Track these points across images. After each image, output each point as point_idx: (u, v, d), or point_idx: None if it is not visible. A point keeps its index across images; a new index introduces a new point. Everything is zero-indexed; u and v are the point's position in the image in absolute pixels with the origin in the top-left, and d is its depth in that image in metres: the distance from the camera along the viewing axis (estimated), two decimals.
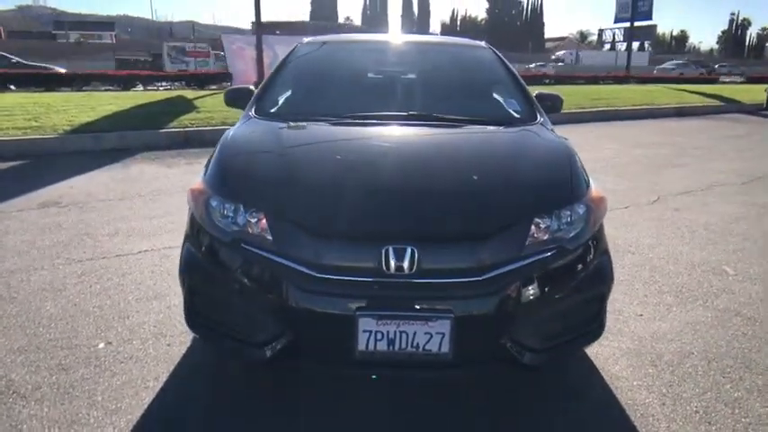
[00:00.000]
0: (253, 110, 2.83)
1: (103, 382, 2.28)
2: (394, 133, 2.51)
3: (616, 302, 3.06)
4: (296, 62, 3.26)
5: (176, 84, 15.49)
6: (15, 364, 2.38)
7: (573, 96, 13.90)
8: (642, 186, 5.90)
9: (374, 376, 2.03)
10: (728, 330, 2.78)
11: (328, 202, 2.00)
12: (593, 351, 2.52)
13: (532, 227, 1.96)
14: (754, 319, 2.91)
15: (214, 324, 2.08)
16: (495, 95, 3.10)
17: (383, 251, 1.82)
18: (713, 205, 5.20)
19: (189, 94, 11.28)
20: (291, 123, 2.62)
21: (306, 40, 3.60)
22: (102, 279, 3.29)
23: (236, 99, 3.12)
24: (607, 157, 7.59)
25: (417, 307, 1.81)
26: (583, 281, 2.02)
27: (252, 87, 3.19)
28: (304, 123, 2.62)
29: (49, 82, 13.15)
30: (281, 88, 3.05)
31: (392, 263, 1.81)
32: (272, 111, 2.83)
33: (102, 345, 2.57)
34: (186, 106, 9.95)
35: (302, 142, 2.46)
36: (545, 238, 1.97)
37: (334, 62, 3.34)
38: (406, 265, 1.81)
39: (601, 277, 2.09)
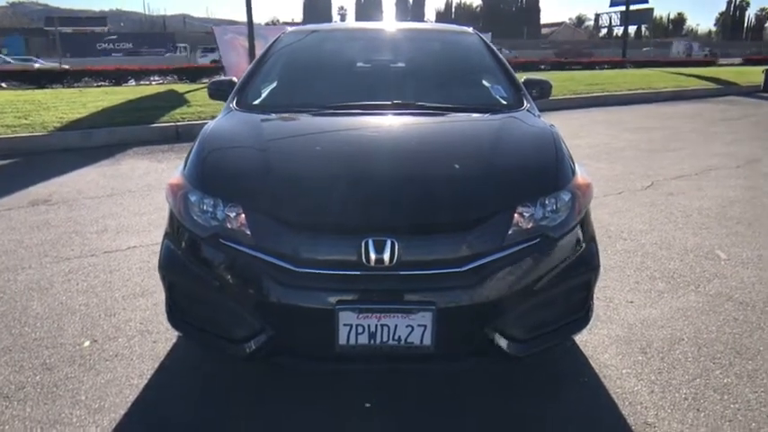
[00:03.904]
0: (234, 102, 2.79)
1: (87, 380, 2.26)
2: (376, 123, 2.47)
3: (607, 289, 3.04)
4: (278, 52, 3.21)
5: (168, 78, 15.37)
6: (0, 364, 2.36)
7: (568, 82, 13.84)
8: (636, 171, 5.86)
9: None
10: (720, 316, 2.76)
11: (306, 194, 1.97)
12: (581, 339, 2.50)
13: (516, 216, 1.93)
14: (745, 303, 2.89)
15: (195, 321, 2.05)
16: (481, 82, 3.05)
17: (363, 244, 1.79)
18: (707, 189, 5.17)
19: (180, 87, 11.21)
20: (272, 115, 2.58)
21: (289, 29, 3.55)
22: (89, 277, 3.26)
23: (220, 91, 3.08)
24: (601, 143, 7.55)
25: (398, 299, 1.78)
26: (568, 269, 1.99)
27: (234, 79, 3.14)
28: (285, 115, 2.58)
29: (41, 79, 13.04)
30: (262, 79, 3.00)
31: (372, 255, 1.78)
32: (254, 102, 2.79)
33: (87, 343, 2.54)
34: (177, 100, 9.88)
35: (282, 134, 2.41)
36: (529, 226, 1.94)
37: (317, 52, 3.28)
38: (386, 257, 1.78)
39: (587, 265, 2.06)
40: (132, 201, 4.84)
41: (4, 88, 12.78)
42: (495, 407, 2.08)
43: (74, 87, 12.92)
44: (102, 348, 2.50)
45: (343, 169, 2.08)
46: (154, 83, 14.70)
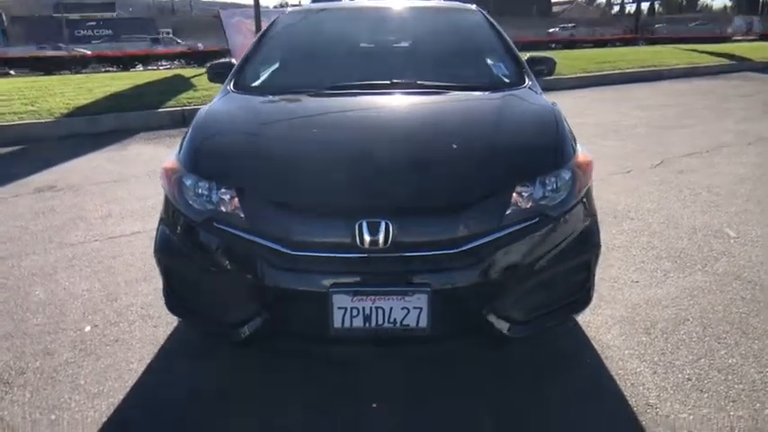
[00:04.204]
0: (231, 84, 2.75)
1: (87, 365, 2.27)
2: (373, 104, 2.42)
3: (611, 269, 2.99)
4: (276, 33, 3.16)
5: (176, 62, 15.31)
6: (1, 350, 2.37)
7: (578, 61, 13.59)
8: (646, 149, 5.75)
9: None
10: (727, 295, 2.71)
11: (300, 176, 1.93)
12: (584, 320, 2.47)
13: (514, 195, 1.89)
14: (753, 282, 2.83)
15: (191, 305, 2.05)
16: (483, 60, 2.98)
17: (356, 226, 1.76)
18: (718, 167, 5.06)
19: (187, 72, 11.16)
20: (269, 97, 2.54)
21: (288, 10, 3.49)
22: (92, 262, 3.27)
23: (219, 74, 3.03)
24: (610, 121, 7.40)
25: (393, 282, 1.76)
26: (568, 249, 1.94)
27: (234, 61, 3.09)
28: (281, 96, 2.54)
29: (49, 65, 13.07)
30: (260, 61, 2.95)
31: (366, 237, 1.75)
32: (251, 84, 2.75)
33: (88, 328, 2.56)
34: (184, 85, 9.83)
35: (277, 116, 2.37)
36: (528, 206, 1.90)
37: (315, 32, 3.22)
38: (380, 239, 1.75)
39: (587, 244, 2.01)
40: (137, 186, 4.84)
41: (12, 75, 12.81)
42: (492, 390, 2.06)
43: (81, 73, 12.93)
44: (103, 333, 2.51)
45: (338, 151, 2.04)
46: (161, 68, 14.66)
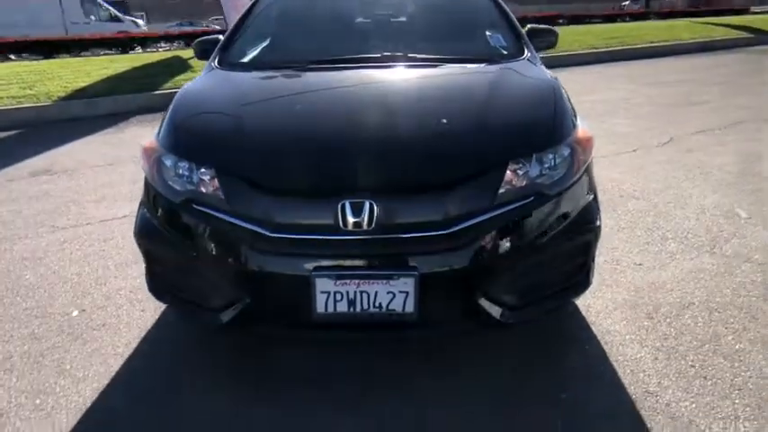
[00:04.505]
0: (215, 60, 2.65)
1: (74, 350, 2.22)
2: (360, 78, 2.31)
3: (615, 251, 2.89)
4: (264, 8, 3.04)
5: (176, 44, 15.12)
6: None
7: (585, 36, 13.26)
8: (654, 127, 5.58)
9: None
10: (735, 278, 2.60)
11: (281, 155, 1.84)
12: (584, 304, 2.38)
13: (508, 173, 1.78)
14: (765, 265, 2.72)
15: (173, 289, 1.98)
16: (479, 31, 2.85)
17: (339, 206, 1.67)
18: (730, 145, 4.89)
19: (185, 53, 10.97)
20: (253, 73, 2.44)
21: None
22: (83, 246, 3.22)
23: (206, 51, 2.93)
24: (618, 98, 7.21)
25: (377, 265, 1.68)
26: (566, 230, 1.85)
27: (220, 37, 2.98)
28: (266, 72, 2.44)
29: (48, 49, 12.94)
30: (246, 36, 2.84)
31: (349, 219, 1.66)
32: (235, 60, 2.64)
33: (76, 312, 2.51)
34: (181, 66, 9.72)
35: (260, 93, 2.26)
36: (522, 184, 1.80)
37: (304, 6, 3.10)
38: (364, 220, 1.66)
39: (586, 225, 1.91)
40: (133, 169, 4.76)
41: (12, 60, 12.72)
42: (481, 376, 1.98)
43: (80, 57, 12.81)
44: (91, 318, 2.46)
45: (321, 128, 1.94)
46: (160, 49, 14.49)
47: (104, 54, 13.33)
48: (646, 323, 2.26)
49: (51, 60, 11.88)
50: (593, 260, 2.01)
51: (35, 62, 11.62)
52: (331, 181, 1.75)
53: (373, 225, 1.67)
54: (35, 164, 5.05)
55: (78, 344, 2.26)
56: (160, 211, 1.92)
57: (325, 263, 1.68)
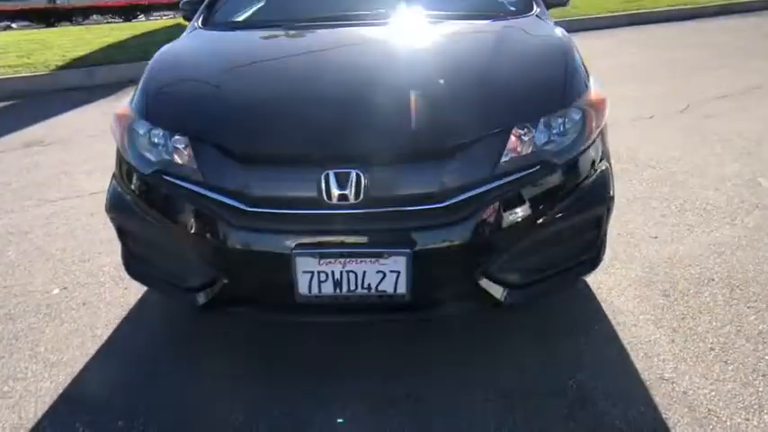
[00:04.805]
0: (200, 20, 2.46)
1: (50, 331, 2.11)
2: (351, 36, 2.11)
3: (628, 224, 2.70)
4: None
5: (180, 12, 14.79)
6: None
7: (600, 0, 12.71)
8: (671, 93, 5.29)
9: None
10: (759, 252, 2.41)
11: (260, 120, 1.67)
12: (594, 281, 2.21)
13: (512, 139, 1.60)
14: None
15: (149, 267, 1.84)
16: None
17: (322, 177, 1.50)
18: (751, 110, 4.61)
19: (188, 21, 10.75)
20: (237, 33, 2.24)
21: None
22: (70, 220, 3.09)
23: (194, 12, 2.72)
24: (633, 63, 6.88)
25: (365, 242, 1.51)
26: (575, 202, 1.67)
27: None
28: (251, 32, 2.24)
29: (50, 18, 12.69)
30: None
31: (334, 190, 1.50)
32: (221, 20, 2.44)
33: (56, 290, 2.39)
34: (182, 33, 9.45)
35: (242, 54, 2.06)
36: (528, 151, 1.62)
37: None
38: (350, 192, 1.50)
39: (598, 197, 1.73)
40: None
41: (13, 29, 12.51)
42: (479, 361, 1.83)
43: (82, 25, 12.57)
44: (71, 296, 2.34)
45: (304, 91, 1.76)
46: (164, 17, 14.19)
47: (107, 22, 13.07)
48: (661, 301, 2.10)
49: (52, 29, 11.65)
50: (606, 234, 1.84)
51: (35, 30, 11.41)
52: (313, 149, 1.57)
53: (361, 198, 1.50)
54: (29, 134, 4.91)
55: (55, 324, 2.14)
56: (131, 183, 1.77)
57: (307, 240, 1.52)
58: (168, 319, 2.15)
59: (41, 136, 4.83)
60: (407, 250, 1.49)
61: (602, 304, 2.09)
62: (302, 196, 1.53)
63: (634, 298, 2.12)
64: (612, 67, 6.52)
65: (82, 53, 8.08)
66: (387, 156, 1.55)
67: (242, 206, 1.54)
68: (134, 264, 1.87)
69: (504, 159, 1.58)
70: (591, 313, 2.04)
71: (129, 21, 13.52)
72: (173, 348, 1.98)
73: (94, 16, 13.30)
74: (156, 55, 2.09)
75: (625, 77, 5.99)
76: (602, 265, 1.85)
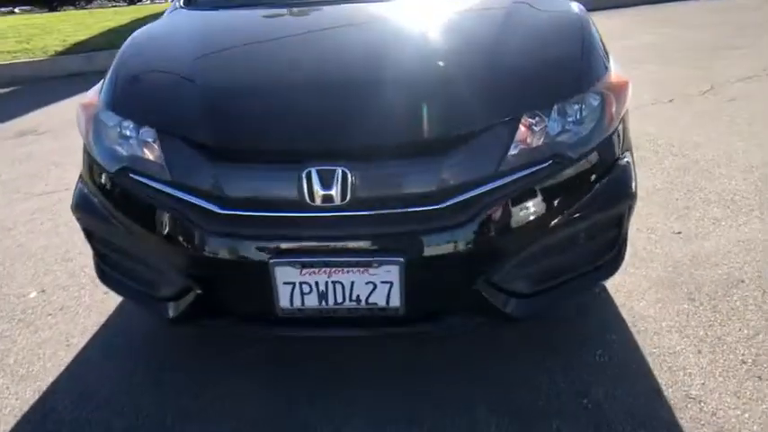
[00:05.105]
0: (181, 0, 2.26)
1: (22, 340, 1.97)
2: (340, 15, 1.90)
3: (649, 218, 2.50)
4: None
5: None
6: None
7: None
8: (692, 74, 5.01)
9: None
10: None
11: (234, 111, 1.49)
12: (612, 283, 2.01)
13: (521, 129, 1.40)
14: None
15: (120, 274, 1.67)
16: None
17: (304, 175, 1.32)
18: None
19: None
20: (219, 12, 2.04)
21: None
22: (55, 215, 2.95)
23: None
24: (653, 43, 6.56)
25: (352, 249, 1.33)
26: (593, 200, 1.47)
27: None
28: (236, 11, 2.04)
29: (52, 2, 12.52)
30: None
31: (317, 190, 1.32)
32: None
33: (33, 294, 2.25)
34: None
35: (221, 36, 1.85)
36: (539, 143, 1.42)
37: None
38: (335, 192, 1.32)
39: (619, 194, 1.53)
40: None
41: (16, 14, 12.36)
42: (482, 375, 1.66)
43: (86, 9, 12.39)
44: (49, 300, 2.19)
45: (286, 77, 1.56)
46: (169, 0, 13.96)
47: (112, 6, 12.88)
48: (686, 306, 1.90)
49: (54, 13, 11.49)
50: (627, 234, 1.64)
51: (37, 15, 11.25)
52: (293, 143, 1.39)
53: (347, 199, 1.32)
54: (23, 123, 4.77)
55: (29, 332, 2.00)
56: (96, 180, 1.60)
57: (287, 247, 1.34)
58: (149, 327, 1.99)
59: (36, 124, 4.69)
60: (400, 259, 1.31)
61: (621, 309, 1.90)
62: (281, 197, 1.35)
63: (656, 302, 1.93)
64: (630, 48, 6.22)
65: (82, 38, 7.92)
66: (377, 150, 1.36)
67: (213, 208, 1.37)
68: (105, 270, 1.71)
69: (511, 153, 1.38)
70: (608, 320, 1.85)
71: (134, 4, 13.30)
72: (153, 360, 1.82)
73: (98, 0, 13.10)
74: (129, 39, 1.90)
75: (643, 58, 5.69)
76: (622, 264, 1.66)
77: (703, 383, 1.58)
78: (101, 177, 1.57)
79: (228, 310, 1.51)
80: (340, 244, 1.33)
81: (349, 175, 1.31)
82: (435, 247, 1.33)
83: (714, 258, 2.16)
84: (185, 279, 1.45)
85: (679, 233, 2.36)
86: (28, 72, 6.70)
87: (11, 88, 6.28)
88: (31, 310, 2.14)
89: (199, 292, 1.45)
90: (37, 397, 1.69)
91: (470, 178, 1.35)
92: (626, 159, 1.57)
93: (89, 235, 1.68)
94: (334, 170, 1.31)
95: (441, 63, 1.52)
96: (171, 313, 1.49)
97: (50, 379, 1.76)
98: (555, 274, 1.51)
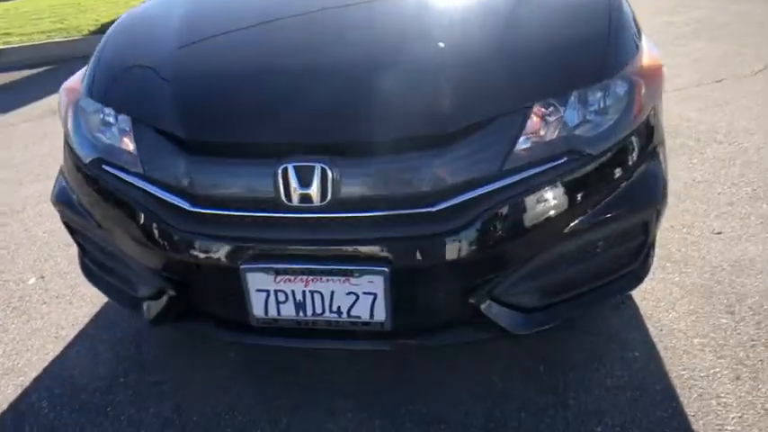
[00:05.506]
0: None
1: (14, 329, 1.92)
2: None
3: (685, 214, 2.25)
4: None
5: None
6: None
7: None
8: (744, 52, 4.59)
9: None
10: None
11: (209, 100, 1.34)
12: (639, 289, 1.77)
13: (533, 119, 1.22)
14: None
15: (103, 271, 1.58)
16: None
17: (279, 171, 1.18)
18: None
19: None
20: None
21: None
22: None
23: None
24: (703, 18, 6.08)
25: (332, 256, 1.19)
26: (614, 205, 1.28)
27: None
28: None
29: None
30: None
31: (294, 189, 1.17)
32: None
33: (32, 280, 2.20)
34: None
35: (207, 18, 1.66)
36: (553, 136, 1.23)
37: None
38: (314, 191, 1.17)
39: (646, 197, 1.33)
40: None
41: None
42: (474, 399, 1.49)
43: None
44: (46, 287, 2.14)
45: (267, 64, 1.40)
46: None
47: None
48: (724, 321, 1.68)
49: None
50: (655, 240, 1.44)
51: None
52: (270, 135, 1.24)
53: (327, 199, 1.17)
54: (46, 104, 4.78)
55: (21, 321, 1.95)
56: (72, 170, 1.50)
57: (260, 251, 1.21)
58: (138, 323, 1.91)
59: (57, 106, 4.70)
60: (384, 268, 1.15)
61: (647, 321, 1.70)
62: (255, 195, 1.21)
63: (688, 314, 1.72)
64: (675, 24, 5.78)
65: (115, 17, 7.93)
66: (362, 145, 1.19)
67: (184, 205, 1.24)
68: (88, 265, 1.62)
69: (518, 149, 1.20)
70: (630, 333, 1.66)
71: None
72: (139, 357, 1.74)
73: None
74: (118, 20, 1.78)
75: (690, 34, 5.28)
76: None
77: (741, 417, 1.38)
78: (76, 166, 1.46)
79: (203, 315, 1.39)
80: (318, 249, 1.19)
81: (330, 173, 1.16)
82: (426, 257, 1.17)
83: (759, 265, 1.92)
84: (159, 280, 1.34)
85: (719, 233, 2.12)
86: (62, 52, 6.75)
87: (45, 68, 6.33)
88: (28, 297, 2.09)
89: (173, 293, 1.34)
90: (18, 394, 1.63)
91: (469, 178, 1.18)
92: (656, 157, 1.36)
93: (70, 229, 1.59)
94: (313, 167, 1.16)
95: (440, 44, 1.32)
96: (147, 314, 1.39)
97: (34, 374, 1.70)
98: (568, 286, 1.33)
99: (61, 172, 1.60)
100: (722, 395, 1.43)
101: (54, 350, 1.80)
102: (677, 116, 3.22)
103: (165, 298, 1.36)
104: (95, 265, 1.59)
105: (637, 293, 1.80)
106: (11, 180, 3.19)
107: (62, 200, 1.54)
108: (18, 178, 3.21)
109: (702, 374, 1.50)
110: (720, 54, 4.56)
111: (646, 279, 1.46)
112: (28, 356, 1.78)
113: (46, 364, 1.74)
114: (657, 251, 1.98)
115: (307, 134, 1.21)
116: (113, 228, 1.37)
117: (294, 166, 1.17)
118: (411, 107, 1.22)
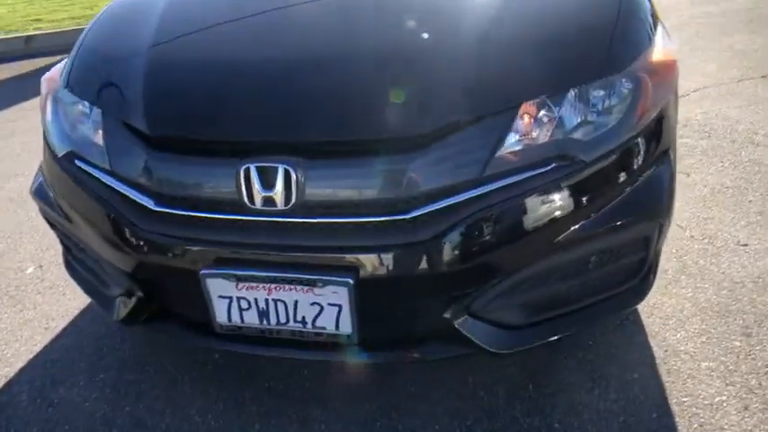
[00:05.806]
0: None
1: (6, 318, 1.92)
2: None
3: (709, 222, 2.09)
4: None
5: None
6: None
7: None
8: None
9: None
10: None
11: (175, 95, 1.28)
12: (646, 303, 1.67)
13: (524, 118, 1.11)
14: None
15: (81, 268, 1.55)
16: None
17: (241, 171, 1.11)
18: None
19: None
20: None
21: None
22: None
23: None
24: (743, 7, 5.70)
25: (295, 264, 1.12)
26: (609, 216, 1.17)
27: None
28: None
29: None
30: None
31: (256, 191, 1.10)
32: None
33: (31, 269, 2.21)
34: None
35: (184, 12, 1.60)
36: (544, 140, 1.12)
37: None
38: (277, 194, 1.10)
39: (647, 209, 1.21)
40: None
41: None
42: (458, 413, 1.40)
43: None
44: (43, 277, 2.15)
45: (235, 60, 1.32)
46: None
47: None
48: (737, 343, 1.54)
49: None
50: (659, 255, 1.32)
51: None
52: (232, 133, 1.17)
53: (292, 202, 1.10)
54: None
55: (14, 311, 1.95)
56: (48, 163, 1.47)
57: (221, 256, 1.14)
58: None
59: None
60: (348, 279, 1.07)
61: (651, 340, 1.57)
62: (218, 196, 1.15)
63: (699, 334, 1.58)
64: (714, 15, 5.44)
65: None
66: (330, 145, 1.11)
67: (148, 204, 1.19)
68: (70, 260, 1.60)
69: (505, 151, 1.10)
70: (632, 352, 1.53)
71: None
72: (122, 354, 1.71)
73: None
74: (100, 11, 1.74)
75: (730, 26, 4.95)
76: (662, 281, 1.34)
77: None
78: (51, 160, 1.43)
79: (171, 318, 1.34)
80: (280, 256, 1.12)
81: (294, 174, 1.08)
82: (396, 268, 1.08)
83: None
84: (127, 280, 1.30)
85: (745, 245, 1.95)
86: None
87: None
88: (24, 286, 2.10)
89: (141, 294, 1.29)
90: (0, 384, 1.63)
91: (446, 183, 1.08)
92: (662, 164, 1.23)
93: (48, 222, 1.57)
94: (276, 168, 1.09)
95: (425, 35, 1.22)
96: (117, 314, 1.35)
97: (19, 365, 1.70)
98: (556, 302, 1.22)
99: (40, 166, 1.57)
100: (726, 427, 1.30)
101: (42, 341, 1.79)
102: (714, 115, 3.01)
103: (134, 299, 1.32)
104: (75, 261, 1.57)
105: (643, 309, 1.67)
106: (24, 168, 3.23)
107: (39, 195, 1.52)
108: (32, 164, 3.24)
109: (706, 402, 1.37)
110: (758, 47, 4.26)
111: (657, 291, 1.33)
112: (16, 347, 1.78)
113: (32, 355, 1.74)
114: (673, 263, 1.85)
115: (271, 133, 1.14)
116: (83, 224, 1.33)
117: (257, 167, 1.10)
118: (384, 105, 1.12)
